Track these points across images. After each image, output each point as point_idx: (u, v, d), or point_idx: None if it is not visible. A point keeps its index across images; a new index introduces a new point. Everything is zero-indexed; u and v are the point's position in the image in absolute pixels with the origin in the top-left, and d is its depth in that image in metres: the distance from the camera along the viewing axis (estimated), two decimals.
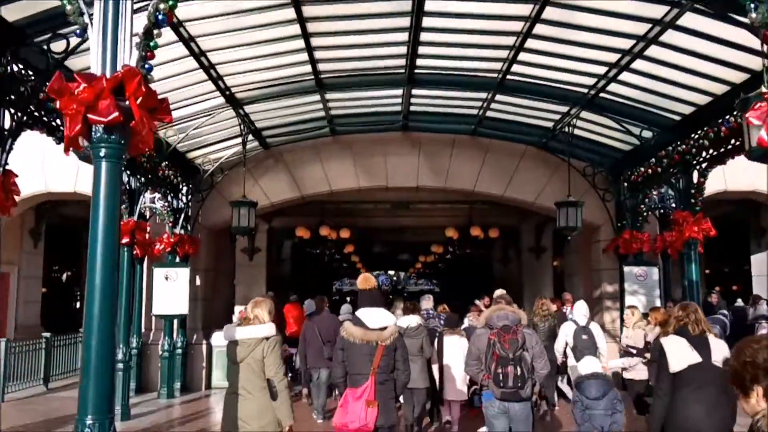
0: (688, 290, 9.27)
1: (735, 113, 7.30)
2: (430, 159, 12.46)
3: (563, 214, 10.55)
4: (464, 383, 8.36)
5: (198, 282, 12.36)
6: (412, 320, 7.94)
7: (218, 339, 12.36)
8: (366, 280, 5.46)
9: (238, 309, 20.28)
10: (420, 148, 12.46)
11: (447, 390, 8.39)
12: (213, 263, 13.18)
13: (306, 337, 9.60)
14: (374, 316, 5.03)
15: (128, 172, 9.62)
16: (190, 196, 11.92)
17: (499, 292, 9.38)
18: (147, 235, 10.66)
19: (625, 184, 11.32)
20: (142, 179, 9.96)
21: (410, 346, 6.89)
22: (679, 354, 4.49)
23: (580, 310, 9.82)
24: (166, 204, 11.20)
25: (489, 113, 11.09)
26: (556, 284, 19.37)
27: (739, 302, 12.78)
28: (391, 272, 62.67)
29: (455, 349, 8.28)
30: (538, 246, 19.74)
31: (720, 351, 4.50)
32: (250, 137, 11.43)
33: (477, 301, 11.40)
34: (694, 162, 8.93)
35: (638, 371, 8.02)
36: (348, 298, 26.16)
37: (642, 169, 10.57)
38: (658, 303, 10.75)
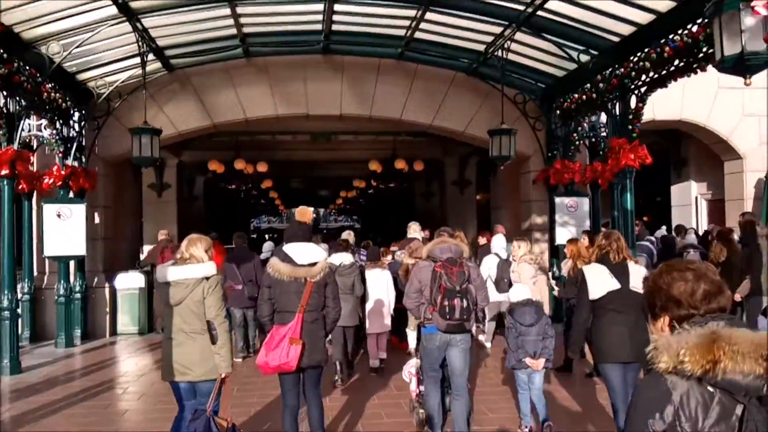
0: (622, 220, 9.00)
1: (689, 27, 6.79)
2: (354, 85, 11.54)
3: (496, 142, 9.98)
4: (388, 316, 8.12)
5: (97, 220, 11.14)
6: (345, 258, 7.76)
7: (123, 281, 11.34)
8: (304, 213, 5.41)
9: (147, 248, 19.06)
10: (343, 73, 11.50)
11: (371, 323, 8.02)
12: (114, 199, 11.92)
13: (225, 278, 8.74)
14: (303, 252, 4.74)
15: (4, 93, 8.25)
16: (83, 124, 10.57)
17: (414, 226, 9.93)
18: (33, 167, 9.35)
19: (558, 111, 10.83)
20: (23, 102, 8.58)
21: (342, 284, 6.73)
22: (599, 281, 4.71)
23: (499, 243, 9.51)
24: (55, 132, 9.85)
25: (417, 34, 10.24)
26: (480, 218, 19.16)
27: (663, 231, 12.77)
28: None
29: (378, 282, 8.11)
30: (462, 179, 19.35)
31: (639, 277, 4.68)
32: (151, 57, 10.13)
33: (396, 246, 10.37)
34: (632, 86, 8.49)
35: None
36: (267, 236, 25.19)
37: (576, 95, 10.07)
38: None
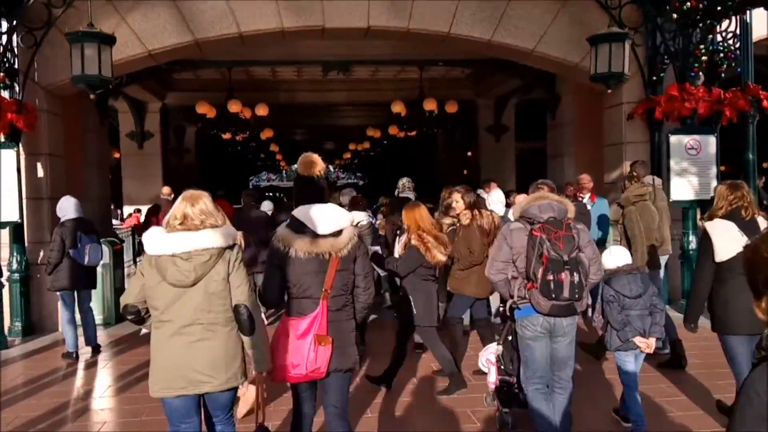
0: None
1: None
2: None
3: (603, 54, 6.96)
4: None
5: (40, 173, 8.19)
6: (362, 217, 7.01)
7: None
8: (310, 164, 4.53)
9: (127, 211, 16.14)
10: None
11: None
12: (67, 146, 8.93)
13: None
14: (324, 217, 3.53)
15: None
16: (14, 38, 7.55)
17: (405, 182, 9.01)
18: None
19: (674, 15, 7.73)
20: None
21: None
22: (728, 240, 4.19)
23: (496, 197, 8.13)
24: None
25: None
26: (521, 171, 16.24)
27: None
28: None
29: None
30: (498, 124, 16.37)
31: None
32: None
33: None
34: None
35: None
36: (268, 194, 22.33)
37: None
38: (714, 184, 7.62)
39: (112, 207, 15.55)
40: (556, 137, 11.57)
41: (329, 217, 3.54)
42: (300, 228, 3.51)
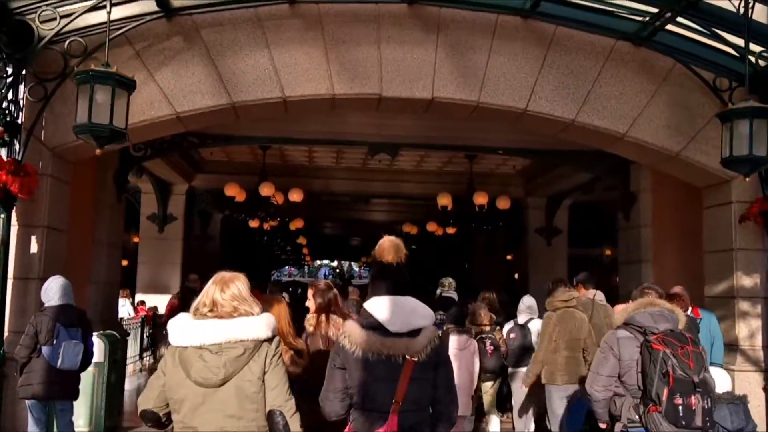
0: None
1: None
2: (455, 53, 7.30)
3: (740, 132, 5.55)
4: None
5: (34, 248, 6.81)
6: None
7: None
8: (394, 247, 3.82)
9: (138, 299, 14.71)
10: (438, 35, 7.28)
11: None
12: (73, 220, 7.63)
13: None
14: (400, 312, 3.13)
15: None
16: (21, 87, 6.44)
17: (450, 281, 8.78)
18: None
19: None
20: None
21: None
22: None
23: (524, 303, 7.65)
24: None
25: None
26: (574, 277, 14.66)
27: None
28: (334, 263, 57.38)
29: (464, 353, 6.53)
30: (549, 226, 14.98)
31: None
32: None
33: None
34: None
35: None
36: (289, 289, 20.98)
37: None
38: None
39: (128, 294, 14.18)
40: (630, 240, 10.08)
41: (404, 312, 3.10)
42: (371, 322, 3.11)
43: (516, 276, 19.56)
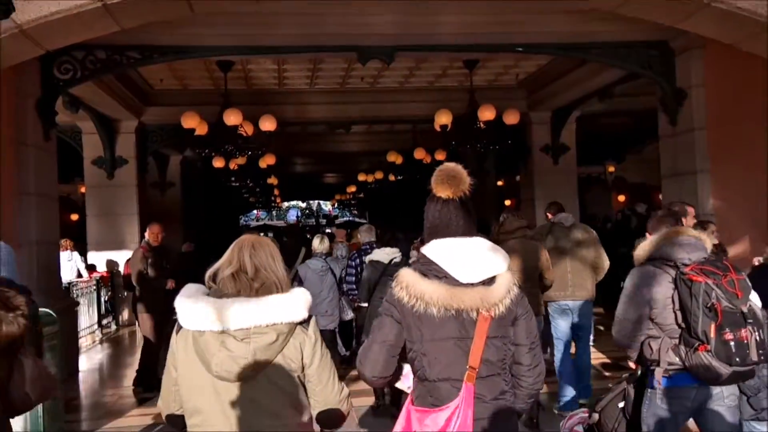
0: None
1: None
2: None
3: None
4: None
5: None
6: (395, 254, 6.15)
7: None
8: (456, 179, 2.64)
9: (90, 260, 12.69)
10: None
11: None
12: None
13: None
14: (472, 256, 2.58)
15: None
16: None
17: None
18: None
19: None
20: None
21: None
22: None
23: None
24: None
25: None
26: (585, 200, 13.20)
27: None
28: (303, 204, 55.47)
29: None
30: (555, 143, 13.31)
31: None
32: None
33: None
34: None
35: None
36: (269, 234, 19.21)
37: None
38: None
39: (71, 246, 12.26)
40: (678, 148, 8.44)
41: (476, 258, 2.54)
42: (432, 269, 2.55)
43: (507, 203, 18.13)
